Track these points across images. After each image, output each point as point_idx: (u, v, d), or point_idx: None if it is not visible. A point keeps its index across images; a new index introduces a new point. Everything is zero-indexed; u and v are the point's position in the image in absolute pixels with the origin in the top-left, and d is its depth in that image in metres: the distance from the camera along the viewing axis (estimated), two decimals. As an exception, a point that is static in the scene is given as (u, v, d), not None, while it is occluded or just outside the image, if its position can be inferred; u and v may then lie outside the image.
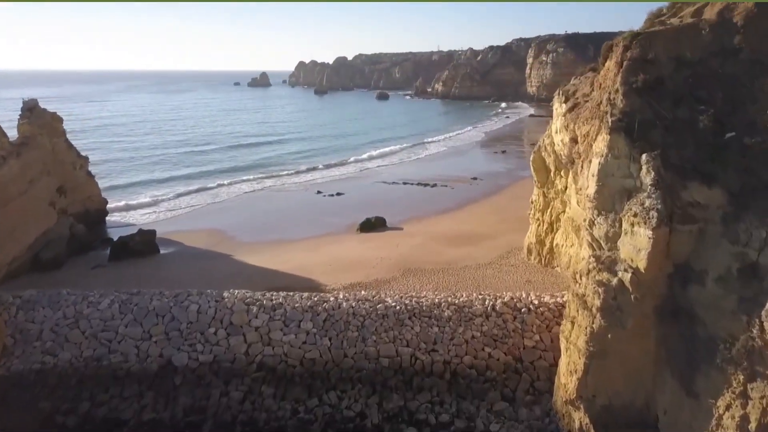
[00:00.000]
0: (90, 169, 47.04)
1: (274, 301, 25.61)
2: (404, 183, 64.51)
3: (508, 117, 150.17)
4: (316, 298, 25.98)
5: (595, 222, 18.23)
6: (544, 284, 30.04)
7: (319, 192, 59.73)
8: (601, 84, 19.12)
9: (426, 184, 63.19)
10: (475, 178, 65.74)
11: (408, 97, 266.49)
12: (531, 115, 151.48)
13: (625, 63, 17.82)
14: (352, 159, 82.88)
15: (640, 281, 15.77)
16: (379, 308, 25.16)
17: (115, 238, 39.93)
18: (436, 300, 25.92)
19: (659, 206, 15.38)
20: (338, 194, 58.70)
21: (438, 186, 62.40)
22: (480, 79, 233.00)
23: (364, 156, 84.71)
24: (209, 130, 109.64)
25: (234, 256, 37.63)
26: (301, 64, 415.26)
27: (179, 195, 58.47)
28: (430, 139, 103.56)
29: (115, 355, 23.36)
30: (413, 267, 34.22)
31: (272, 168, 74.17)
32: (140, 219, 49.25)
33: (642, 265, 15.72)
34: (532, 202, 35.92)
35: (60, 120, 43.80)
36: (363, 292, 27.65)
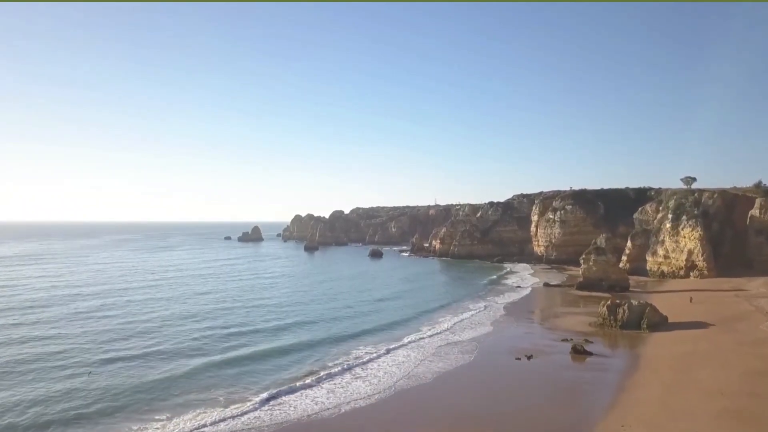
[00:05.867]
0: None
1: None
2: (385, 445, 38.85)
3: (519, 286, 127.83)
4: None
5: None
6: None
7: (232, 480, 33.83)
8: None
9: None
10: (500, 435, 40.18)
11: (404, 253, 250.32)
12: (546, 285, 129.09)
13: None
14: (307, 380, 52.90)
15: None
16: None
17: None
18: None
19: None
20: (263, 489, 32.82)
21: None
22: (481, 237, 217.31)
23: (333, 371, 56.02)
24: (154, 326, 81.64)
25: None
26: (297, 217, 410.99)
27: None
28: (428, 333, 78.79)
29: None
30: None
31: (173, 398, 48.20)
32: None
33: None
34: None
35: None
36: None
